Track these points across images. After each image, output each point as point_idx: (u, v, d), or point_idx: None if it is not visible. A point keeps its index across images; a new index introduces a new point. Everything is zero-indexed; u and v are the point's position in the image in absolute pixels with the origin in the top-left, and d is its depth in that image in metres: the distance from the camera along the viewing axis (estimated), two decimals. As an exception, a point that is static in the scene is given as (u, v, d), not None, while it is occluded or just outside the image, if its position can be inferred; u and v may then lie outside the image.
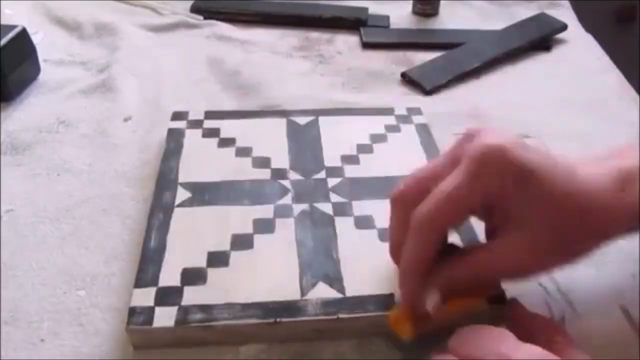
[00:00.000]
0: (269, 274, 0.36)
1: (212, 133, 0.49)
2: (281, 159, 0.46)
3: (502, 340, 0.27)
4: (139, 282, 0.35)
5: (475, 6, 0.77)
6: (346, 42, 0.69)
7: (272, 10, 0.73)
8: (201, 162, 0.45)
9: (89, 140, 0.51)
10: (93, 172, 0.47)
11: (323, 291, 0.35)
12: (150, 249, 0.38)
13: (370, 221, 0.41)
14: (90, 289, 0.37)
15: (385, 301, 0.35)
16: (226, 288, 0.35)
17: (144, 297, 0.34)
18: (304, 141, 0.48)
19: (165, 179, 0.44)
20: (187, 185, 0.43)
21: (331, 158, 0.46)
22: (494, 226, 0.34)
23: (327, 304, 0.34)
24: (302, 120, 0.50)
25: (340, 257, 0.38)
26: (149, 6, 0.75)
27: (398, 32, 0.71)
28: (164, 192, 0.42)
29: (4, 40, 0.54)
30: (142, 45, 0.66)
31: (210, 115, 0.51)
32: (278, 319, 0.33)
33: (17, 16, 0.69)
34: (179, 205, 0.41)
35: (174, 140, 0.48)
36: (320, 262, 0.37)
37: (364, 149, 0.48)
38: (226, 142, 0.48)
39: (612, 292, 0.38)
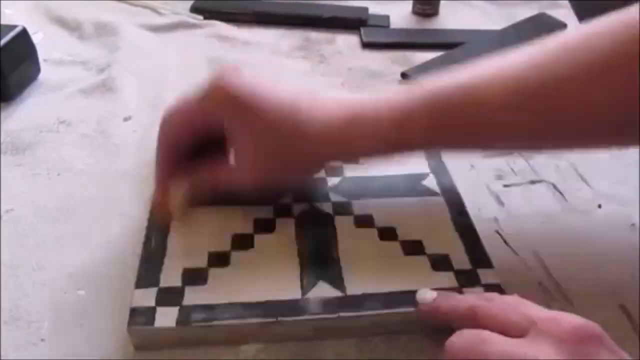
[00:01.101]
0: (269, 273, 0.36)
1: None
2: None
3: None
4: (140, 283, 0.35)
5: (475, 6, 0.77)
6: (346, 42, 0.69)
7: (272, 10, 0.73)
8: None
9: (89, 140, 0.51)
10: (93, 172, 0.47)
11: (323, 290, 0.35)
12: (150, 250, 0.38)
13: (370, 220, 0.41)
14: (90, 288, 0.37)
15: (386, 299, 0.34)
16: (227, 288, 0.35)
17: (145, 297, 0.34)
18: None
19: None
20: None
21: None
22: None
23: (327, 302, 0.34)
24: None
25: (340, 256, 0.38)
26: (149, 6, 0.75)
27: (398, 32, 0.71)
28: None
29: (4, 40, 0.54)
30: (142, 45, 0.66)
31: None
32: (279, 318, 0.33)
33: (17, 16, 0.69)
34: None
35: None
36: (321, 261, 0.37)
37: None
38: None
39: (612, 292, 0.38)
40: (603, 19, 0.37)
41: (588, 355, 0.26)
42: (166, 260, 0.37)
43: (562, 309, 0.36)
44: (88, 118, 0.53)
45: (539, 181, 0.47)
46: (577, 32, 0.39)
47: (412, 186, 0.44)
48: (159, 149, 0.40)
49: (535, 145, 0.42)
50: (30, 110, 0.55)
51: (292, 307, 0.34)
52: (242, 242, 0.39)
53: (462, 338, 0.29)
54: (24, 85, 0.58)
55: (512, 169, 0.48)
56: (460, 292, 0.35)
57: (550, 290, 0.38)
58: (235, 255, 0.38)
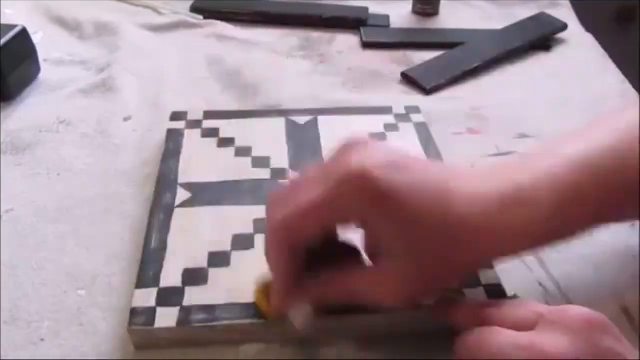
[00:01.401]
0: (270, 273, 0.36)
1: (211, 133, 0.48)
2: (281, 159, 0.46)
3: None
4: (140, 283, 0.35)
5: (475, 6, 0.77)
6: (346, 42, 0.69)
7: (272, 10, 0.73)
8: (201, 162, 0.45)
9: (89, 140, 0.51)
10: (93, 172, 0.47)
11: None
12: (151, 250, 0.38)
13: None
14: (91, 288, 0.37)
15: None
16: (227, 288, 0.35)
17: (146, 297, 0.34)
18: (304, 141, 0.48)
19: (165, 179, 0.43)
20: (187, 186, 0.43)
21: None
22: (372, 248, 0.33)
23: None
24: (301, 119, 0.50)
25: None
26: (149, 6, 0.75)
27: (398, 32, 0.71)
28: (164, 192, 0.42)
29: (4, 40, 0.54)
30: (142, 45, 0.66)
31: (209, 115, 0.50)
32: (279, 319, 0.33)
33: (17, 16, 0.69)
34: (179, 206, 0.41)
35: (174, 140, 0.47)
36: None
37: None
38: (226, 142, 0.47)
39: (612, 292, 0.38)
40: None
41: (594, 342, 0.27)
42: (166, 261, 0.37)
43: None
44: (88, 118, 0.53)
45: (539, 181, 0.47)
46: None
47: None
48: (276, 259, 0.32)
49: None
50: (30, 110, 0.55)
51: None
52: (243, 242, 0.38)
53: (472, 334, 0.29)
54: (24, 85, 0.58)
55: (512, 169, 0.48)
56: (461, 294, 0.35)
57: (550, 290, 0.38)
58: (236, 255, 0.37)
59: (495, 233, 0.31)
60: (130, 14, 0.73)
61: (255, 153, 0.46)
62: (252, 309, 0.34)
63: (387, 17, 0.73)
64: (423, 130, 0.50)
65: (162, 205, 0.41)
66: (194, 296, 0.35)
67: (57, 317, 0.36)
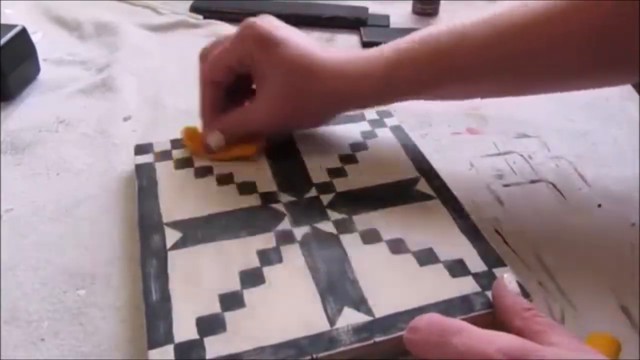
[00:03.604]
0: (290, 307, 0.34)
1: (185, 164, 0.45)
2: (267, 182, 0.43)
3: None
4: (152, 342, 0.31)
5: (475, 6, 0.77)
6: (346, 41, 0.69)
7: (272, 10, 0.72)
8: (183, 197, 0.42)
9: (89, 140, 0.51)
10: (93, 172, 0.47)
11: (351, 316, 0.33)
12: (153, 302, 0.34)
13: (377, 235, 0.39)
14: (90, 288, 0.37)
15: (417, 315, 0.32)
16: (250, 331, 0.32)
17: (162, 357, 0.31)
18: (285, 159, 0.46)
19: (148, 221, 0.40)
20: (175, 225, 0.39)
21: (318, 173, 0.44)
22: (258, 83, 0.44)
23: (359, 329, 0.32)
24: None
25: (357, 277, 0.36)
26: (149, 6, 0.75)
27: (398, 32, 0.70)
28: (150, 236, 0.38)
29: (4, 40, 0.54)
30: (142, 45, 0.66)
31: (177, 144, 0.47)
32: (315, 355, 0.31)
33: (17, 16, 0.69)
34: (172, 248, 0.38)
35: (146, 176, 0.44)
36: (339, 285, 0.35)
37: (348, 159, 0.46)
38: (203, 172, 0.44)
39: (612, 292, 0.38)
40: None
41: None
42: (174, 312, 0.33)
43: (562, 309, 0.36)
44: (88, 118, 0.53)
45: (539, 181, 0.47)
46: None
47: (407, 192, 0.43)
48: (202, 92, 0.45)
49: (516, 85, 0.43)
50: (30, 109, 0.55)
51: (324, 340, 0.32)
52: (252, 277, 0.36)
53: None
54: (24, 85, 0.58)
55: (512, 169, 0.48)
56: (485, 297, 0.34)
57: (550, 290, 0.38)
58: (249, 294, 0.35)
59: (344, 77, 0.43)
60: (130, 14, 0.73)
61: (238, 179, 0.44)
62: (283, 350, 0.31)
63: (387, 17, 0.73)
64: (400, 133, 0.49)
65: (152, 250, 0.37)
66: (216, 347, 0.31)
67: (56, 317, 0.36)
